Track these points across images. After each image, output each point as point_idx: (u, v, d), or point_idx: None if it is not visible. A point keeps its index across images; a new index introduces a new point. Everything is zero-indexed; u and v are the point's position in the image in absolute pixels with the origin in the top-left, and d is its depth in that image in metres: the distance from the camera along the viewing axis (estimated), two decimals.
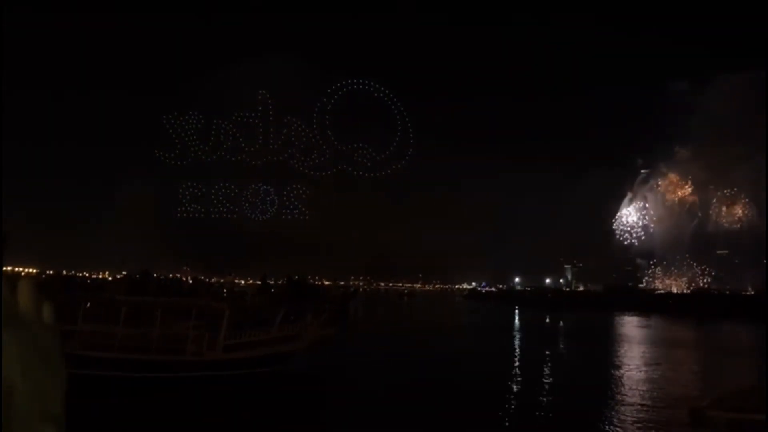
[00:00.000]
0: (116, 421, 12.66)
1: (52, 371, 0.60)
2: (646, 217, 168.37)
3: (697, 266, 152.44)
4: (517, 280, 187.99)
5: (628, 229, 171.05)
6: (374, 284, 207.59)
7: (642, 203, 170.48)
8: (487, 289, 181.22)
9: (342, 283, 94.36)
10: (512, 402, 15.75)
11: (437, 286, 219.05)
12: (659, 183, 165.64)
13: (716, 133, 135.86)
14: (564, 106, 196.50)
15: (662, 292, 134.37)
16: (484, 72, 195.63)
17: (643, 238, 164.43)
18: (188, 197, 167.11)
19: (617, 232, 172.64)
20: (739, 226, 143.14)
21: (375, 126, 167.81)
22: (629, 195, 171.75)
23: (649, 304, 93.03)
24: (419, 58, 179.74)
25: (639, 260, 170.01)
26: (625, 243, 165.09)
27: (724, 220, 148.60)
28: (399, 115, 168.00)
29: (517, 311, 73.24)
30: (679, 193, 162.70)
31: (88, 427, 11.84)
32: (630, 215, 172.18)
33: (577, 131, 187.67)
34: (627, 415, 14.83)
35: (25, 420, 0.56)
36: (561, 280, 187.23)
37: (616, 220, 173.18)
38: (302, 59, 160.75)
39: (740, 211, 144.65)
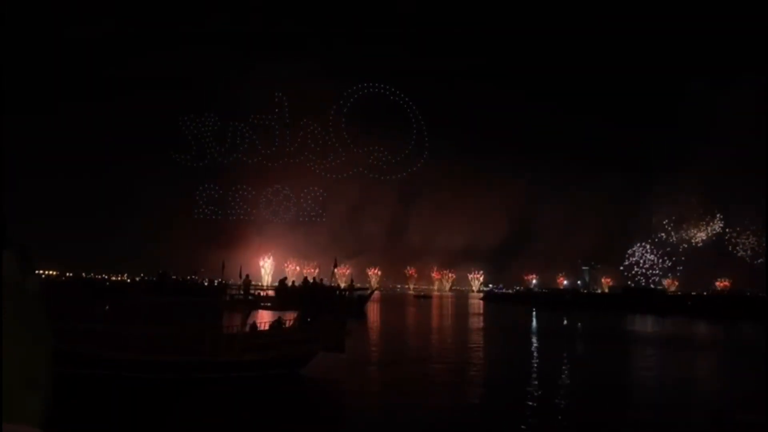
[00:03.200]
0: (119, 421, 12.77)
1: (37, 341, 0.60)
2: (672, 259, 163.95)
3: (716, 267, 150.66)
4: (534, 281, 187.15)
5: (645, 269, 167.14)
6: (390, 285, 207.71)
7: (662, 236, 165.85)
8: (503, 290, 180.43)
9: (358, 284, 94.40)
10: (528, 403, 15.65)
11: (453, 287, 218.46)
12: (682, 215, 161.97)
13: (739, 136, 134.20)
14: (579, 107, 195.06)
15: (680, 293, 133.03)
16: (499, 72, 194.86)
17: (664, 283, 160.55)
18: (205, 199, 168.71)
19: (632, 270, 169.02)
20: (761, 260, 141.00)
21: (390, 129, 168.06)
22: (650, 212, 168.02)
23: (667, 305, 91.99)
24: (429, 59, 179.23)
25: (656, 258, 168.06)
26: (641, 284, 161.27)
27: (742, 251, 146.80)
28: (414, 117, 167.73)
29: (534, 313, 72.78)
30: (705, 231, 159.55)
31: (92, 428, 11.96)
32: (647, 252, 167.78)
33: (595, 131, 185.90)
34: (646, 419, 14.68)
35: (11, 389, 0.57)
36: (578, 282, 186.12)
37: (628, 256, 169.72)
38: (318, 62, 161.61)
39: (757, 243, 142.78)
